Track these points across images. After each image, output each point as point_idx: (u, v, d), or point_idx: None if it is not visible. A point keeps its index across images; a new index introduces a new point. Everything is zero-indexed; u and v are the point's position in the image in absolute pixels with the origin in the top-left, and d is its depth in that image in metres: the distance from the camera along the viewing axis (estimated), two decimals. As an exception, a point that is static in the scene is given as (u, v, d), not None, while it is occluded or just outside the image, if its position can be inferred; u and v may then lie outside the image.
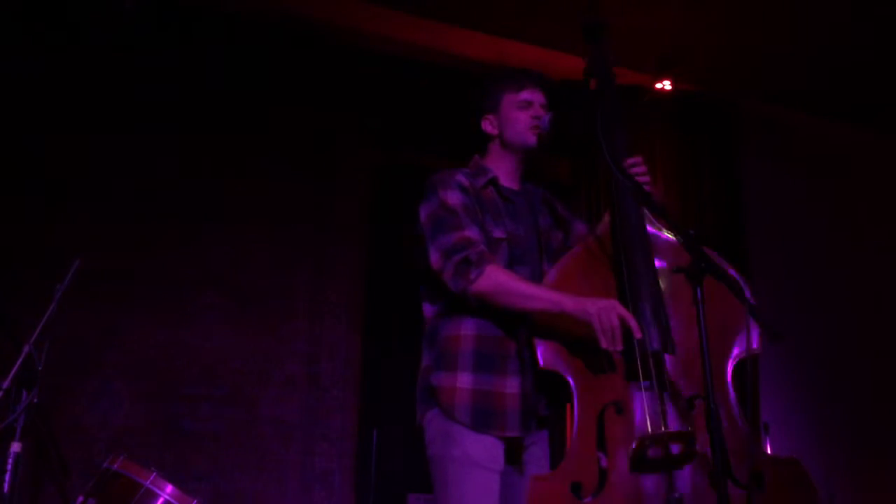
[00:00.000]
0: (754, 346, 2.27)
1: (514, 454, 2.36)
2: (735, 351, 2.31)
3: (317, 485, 4.14)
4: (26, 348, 2.76)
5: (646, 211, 2.38)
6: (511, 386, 2.31)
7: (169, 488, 2.62)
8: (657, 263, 2.33)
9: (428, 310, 2.46)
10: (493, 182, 2.50)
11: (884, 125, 5.48)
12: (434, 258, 2.33)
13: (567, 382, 2.22)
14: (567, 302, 2.19)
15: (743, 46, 4.71)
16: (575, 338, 2.20)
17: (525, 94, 2.51)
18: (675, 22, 4.48)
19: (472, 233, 2.33)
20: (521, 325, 2.32)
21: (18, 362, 2.73)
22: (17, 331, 2.90)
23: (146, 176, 4.14)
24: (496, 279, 2.25)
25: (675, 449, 2.09)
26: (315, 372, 4.27)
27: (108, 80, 4.11)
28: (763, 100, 5.32)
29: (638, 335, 2.11)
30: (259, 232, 4.31)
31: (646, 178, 2.39)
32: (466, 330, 2.35)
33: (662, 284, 2.30)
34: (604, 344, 2.10)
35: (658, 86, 5.03)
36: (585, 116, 2.42)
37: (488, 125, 2.56)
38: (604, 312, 2.12)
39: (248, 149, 4.37)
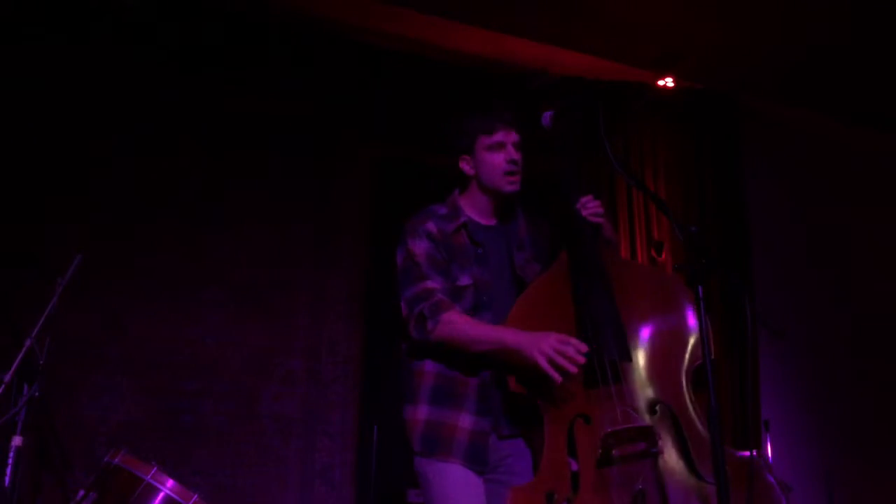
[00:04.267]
0: (707, 353, 2.16)
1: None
2: (688, 359, 2.36)
3: (317, 480, 4.15)
4: (28, 342, 2.77)
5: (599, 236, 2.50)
6: (464, 421, 2.42)
7: (170, 483, 2.62)
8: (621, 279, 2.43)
9: (403, 346, 2.60)
10: (465, 226, 2.58)
11: (882, 120, 5.47)
12: (402, 308, 2.49)
13: (536, 402, 2.34)
14: (509, 338, 2.31)
15: (743, 42, 4.70)
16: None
17: (498, 136, 2.56)
18: (676, 18, 4.47)
19: (433, 283, 2.45)
20: (480, 365, 2.44)
21: (20, 356, 2.73)
22: (18, 325, 2.90)
23: (147, 171, 4.13)
24: (449, 329, 2.39)
25: (639, 445, 2.19)
26: (316, 367, 4.27)
27: (108, 78, 4.10)
28: (764, 96, 5.31)
29: (581, 360, 2.20)
30: (260, 227, 4.31)
31: (600, 214, 2.50)
32: (429, 367, 2.50)
33: (620, 297, 2.40)
34: (558, 381, 2.20)
35: (660, 83, 5.03)
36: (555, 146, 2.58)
37: (465, 165, 2.62)
38: (549, 351, 2.21)
39: (249, 144, 4.36)
